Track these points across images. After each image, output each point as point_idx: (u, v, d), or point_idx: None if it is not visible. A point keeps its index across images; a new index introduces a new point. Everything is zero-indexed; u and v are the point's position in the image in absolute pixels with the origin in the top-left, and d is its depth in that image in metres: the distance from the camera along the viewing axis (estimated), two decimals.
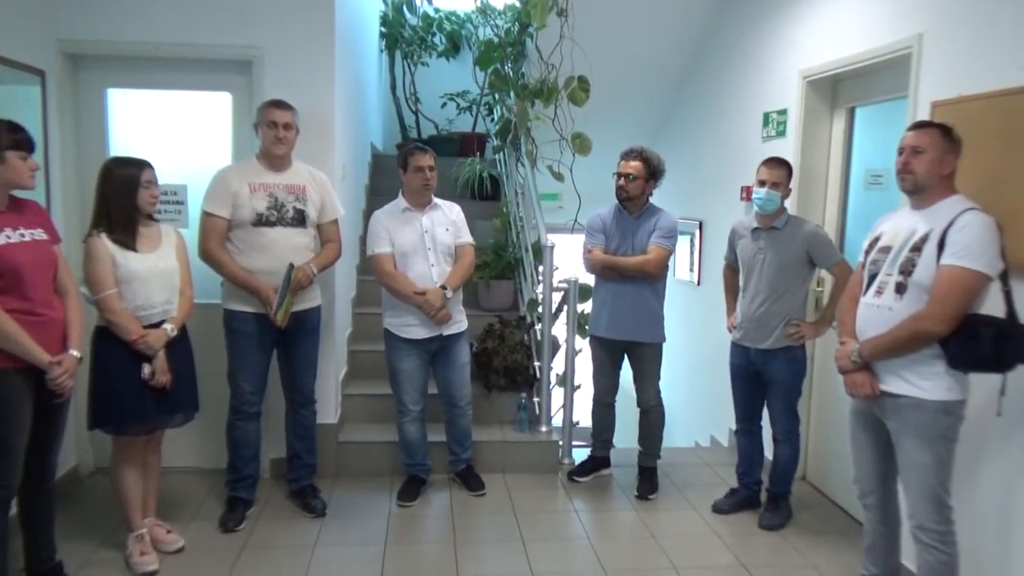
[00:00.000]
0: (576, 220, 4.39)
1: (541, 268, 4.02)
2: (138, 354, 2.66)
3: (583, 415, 4.00)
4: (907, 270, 2.22)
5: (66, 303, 2.51)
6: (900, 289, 2.24)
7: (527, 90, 4.32)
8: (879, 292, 2.31)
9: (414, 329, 3.35)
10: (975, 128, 2.39)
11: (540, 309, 4.02)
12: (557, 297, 4.00)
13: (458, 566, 2.92)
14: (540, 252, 4.00)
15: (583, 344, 3.83)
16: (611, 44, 4.64)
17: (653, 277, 3.48)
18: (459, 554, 3.02)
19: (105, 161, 2.74)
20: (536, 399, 4.08)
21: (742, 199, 4.23)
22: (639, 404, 3.67)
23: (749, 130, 4.19)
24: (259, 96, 3.35)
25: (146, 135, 3.52)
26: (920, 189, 2.26)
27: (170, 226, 2.92)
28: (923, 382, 2.21)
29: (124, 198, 2.66)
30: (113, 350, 2.65)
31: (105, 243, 2.63)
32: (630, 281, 3.48)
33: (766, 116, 3.98)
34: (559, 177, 4.25)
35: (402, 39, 6.19)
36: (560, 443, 3.99)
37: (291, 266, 3.04)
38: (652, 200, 3.58)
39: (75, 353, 2.47)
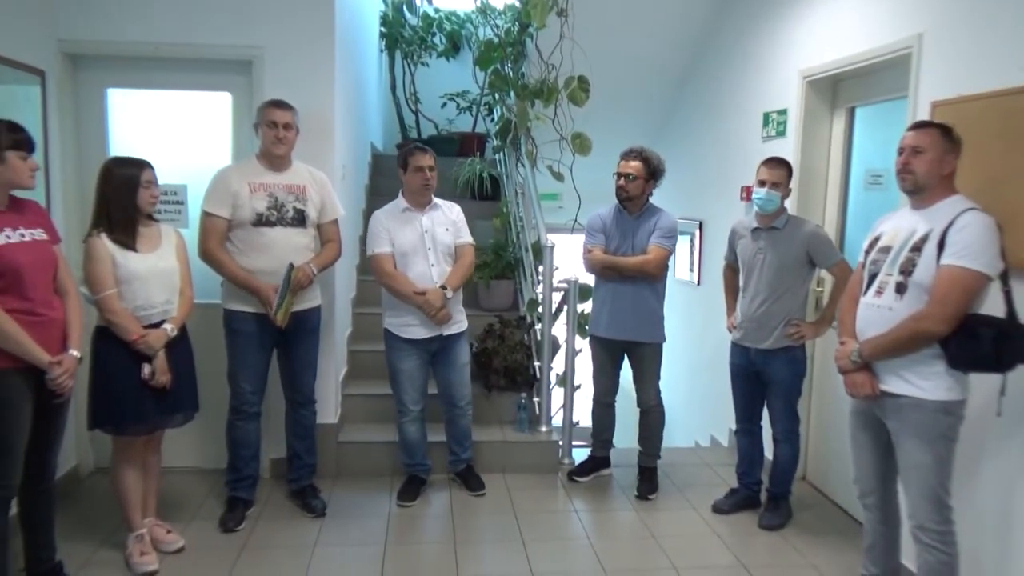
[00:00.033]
0: (576, 220, 4.39)
1: (541, 268, 4.01)
2: (138, 354, 2.66)
3: (583, 415, 3.99)
4: (907, 270, 2.22)
5: (66, 303, 2.51)
6: (900, 289, 2.24)
7: (527, 90, 4.32)
8: (879, 292, 2.31)
9: (414, 329, 3.36)
10: (975, 128, 2.39)
11: (540, 309, 4.02)
12: (557, 297, 3.99)
13: (458, 566, 2.92)
14: (540, 252, 4.00)
15: (583, 344, 3.82)
16: (611, 44, 4.64)
17: (653, 277, 3.48)
18: (459, 554, 3.02)
19: (105, 161, 2.74)
20: (536, 399, 4.08)
21: (742, 199, 4.23)
22: (639, 404, 3.67)
23: (749, 130, 4.19)
24: (259, 96, 3.35)
25: (146, 135, 3.52)
26: (920, 189, 2.26)
27: (170, 226, 2.92)
28: (923, 382, 2.21)
29: (124, 198, 2.66)
30: (113, 350, 2.65)
31: (105, 243, 2.63)
32: (630, 281, 3.48)
33: (766, 116, 3.98)
34: (559, 177, 4.25)
35: (402, 39, 6.19)
36: (560, 443, 3.99)
37: (291, 266, 3.04)
38: (652, 200, 3.58)
39: (75, 353, 2.47)
